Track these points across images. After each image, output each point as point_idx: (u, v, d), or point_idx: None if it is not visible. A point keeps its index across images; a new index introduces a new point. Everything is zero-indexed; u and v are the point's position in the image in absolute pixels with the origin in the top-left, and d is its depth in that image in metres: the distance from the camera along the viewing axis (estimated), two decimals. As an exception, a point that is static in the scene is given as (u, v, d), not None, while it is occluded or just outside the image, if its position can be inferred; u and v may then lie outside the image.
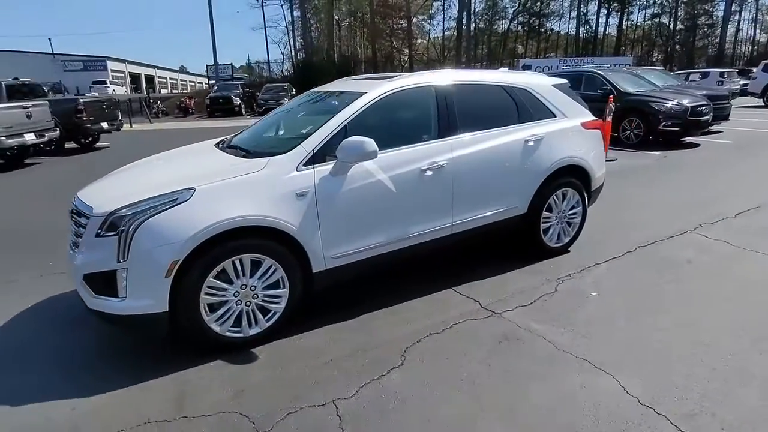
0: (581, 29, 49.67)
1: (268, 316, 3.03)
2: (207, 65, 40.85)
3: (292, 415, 2.38)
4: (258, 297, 2.96)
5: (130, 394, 2.58)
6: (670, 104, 9.99)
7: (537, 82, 4.22)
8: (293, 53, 40.74)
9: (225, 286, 2.83)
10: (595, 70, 11.72)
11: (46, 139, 10.67)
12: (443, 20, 44.56)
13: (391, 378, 2.65)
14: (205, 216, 2.70)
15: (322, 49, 40.29)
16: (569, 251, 4.40)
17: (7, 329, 3.34)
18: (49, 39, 70.40)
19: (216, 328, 2.85)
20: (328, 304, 3.51)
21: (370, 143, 3.00)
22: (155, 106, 28.46)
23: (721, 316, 3.17)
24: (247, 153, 3.34)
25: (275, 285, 3.00)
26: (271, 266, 2.95)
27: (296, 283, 3.06)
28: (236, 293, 2.88)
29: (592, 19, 50.10)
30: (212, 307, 2.84)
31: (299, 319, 3.24)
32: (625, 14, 48.82)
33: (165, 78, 70.56)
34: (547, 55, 49.44)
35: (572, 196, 4.24)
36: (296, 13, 40.73)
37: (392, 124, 3.54)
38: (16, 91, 11.55)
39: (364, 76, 4.25)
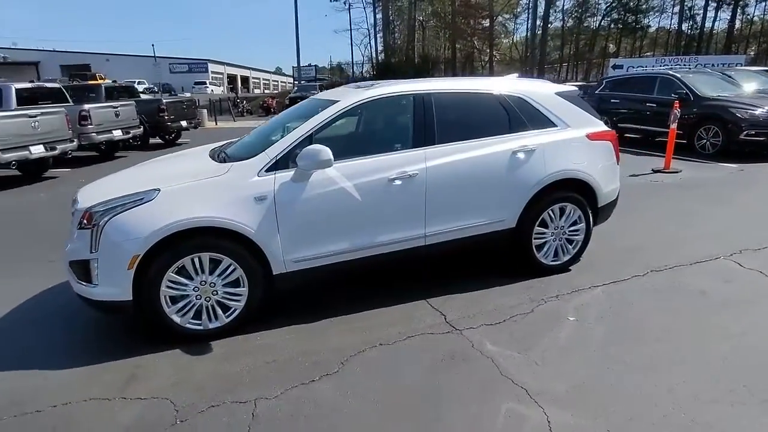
0: (684, 25, 45.22)
1: (228, 312, 3.20)
2: (292, 66, 43.11)
3: (213, 409, 2.51)
4: (218, 293, 3.14)
5: (89, 372, 2.88)
6: (755, 111, 8.84)
7: (537, 90, 3.98)
8: (375, 54, 41.60)
9: (185, 281, 3.05)
10: (671, 72, 10.72)
11: (131, 135, 11.95)
12: (527, 19, 42.83)
13: (320, 384, 2.69)
14: (165, 215, 2.93)
15: (401, 50, 40.66)
16: (570, 270, 4.12)
17: (36, 300, 3.85)
18: (152, 45, 78.68)
19: (177, 319, 3.08)
20: (300, 306, 3.63)
21: (325, 152, 3.06)
22: (241, 105, 30.57)
23: (705, 360, 2.80)
24: (225, 158, 3.55)
25: (235, 283, 3.17)
26: (229, 265, 3.12)
27: (256, 283, 3.20)
28: (196, 288, 3.08)
29: (698, 14, 45.43)
30: (174, 300, 3.06)
31: (266, 317, 3.39)
32: (739, 7, 43.58)
33: (259, 79, 75.38)
34: (643, 54, 45.60)
35: (572, 212, 3.96)
36: (379, 16, 41.59)
37: (364, 133, 3.56)
38: (113, 92, 13.06)
39: (368, 83, 4.29)
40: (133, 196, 2.99)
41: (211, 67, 58.49)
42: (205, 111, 21.73)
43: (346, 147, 3.24)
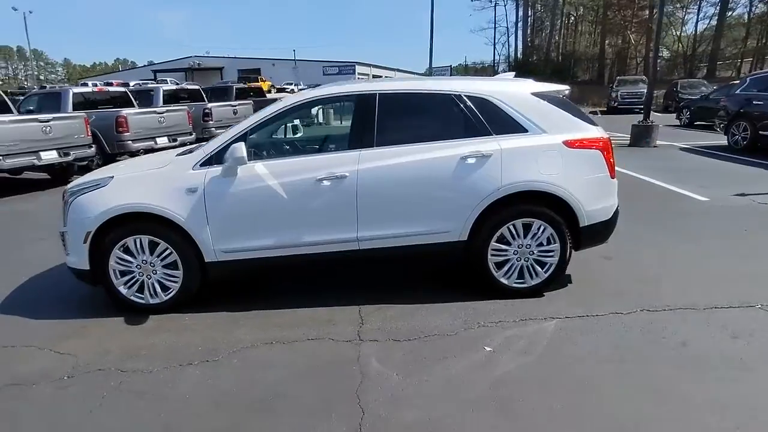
0: None
1: (167, 291, 3.54)
2: (426, 68, 43.61)
3: (99, 372, 2.84)
4: (157, 273, 3.50)
5: (47, 324, 3.45)
6: None
7: (507, 90, 3.53)
8: (514, 53, 39.85)
9: (129, 258, 3.46)
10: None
11: (178, 142, 12.56)
12: (698, 8, 36.50)
13: (191, 369, 2.84)
14: (111, 200, 3.37)
15: (540, 48, 38.28)
16: (543, 295, 3.60)
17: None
18: (294, 50, 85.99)
19: (124, 290, 3.51)
20: (246, 294, 3.83)
21: (239, 150, 3.18)
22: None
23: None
24: (189, 152, 3.89)
25: (173, 266, 3.49)
26: (166, 249, 3.44)
27: (190, 268, 3.48)
28: (138, 266, 3.47)
29: None
30: (122, 273, 3.50)
31: (212, 301, 3.66)
32: None
33: (403, 79, 77.86)
34: None
35: (542, 230, 3.45)
36: (521, 12, 39.65)
37: (304, 133, 3.57)
38: (173, 96, 13.41)
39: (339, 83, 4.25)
40: (94, 181, 3.50)
41: (358, 69, 62.21)
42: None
43: (284, 146, 3.31)
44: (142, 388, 2.67)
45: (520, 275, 3.56)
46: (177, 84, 21.25)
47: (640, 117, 11.99)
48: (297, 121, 4.87)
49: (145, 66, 70.38)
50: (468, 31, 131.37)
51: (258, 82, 39.10)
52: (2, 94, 10.24)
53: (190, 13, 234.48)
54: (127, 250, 3.44)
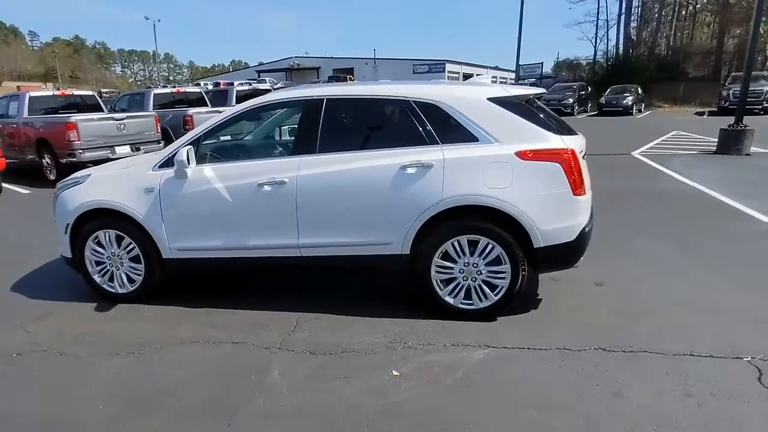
0: None
1: (133, 283, 3.79)
2: (518, 65, 41.73)
3: (45, 353, 3.12)
4: (124, 265, 3.76)
5: (31, 303, 3.87)
6: None
7: (461, 95, 3.24)
8: (614, 48, 36.52)
9: (101, 250, 3.76)
10: None
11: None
12: None
13: (116, 359, 3.02)
14: (84, 196, 3.68)
15: (645, 42, 34.68)
16: (496, 320, 3.29)
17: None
18: (374, 50, 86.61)
19: (98, 279, 3.83)
20: (207, 293, 3.99)
21: (180, 154, 3.30)
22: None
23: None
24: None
25: (136, 260, 3.73)
26: (130, 243, 3.69)
27: (151, 263, 3.69)
28: (108, 258, 3.77)
29: None
30: (97, 263, 3.82)
31: (175, 294, 3.87)
32: None
33: (496, 77, 75.62)
34: None
35: (490, 249, 3.14)
36: (626, 4, 36.18)
37: (255, 137, 3.60)
38: (246, 97, 14.18)
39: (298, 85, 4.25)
40: (76, 178, 3.84)
41: (449, 66, 61.45)
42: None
43: (236, 150, 3.38)
44: (61, 373, 2.90)
45: (468, 296, 3.28)
46: (275, 83, 22.42)
47: (759, 118, 10.41)
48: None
49: (252, 66, 76.13)
50: (561, 26, 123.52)
51: (347, 80, 40.34)
52: (96, 95, 11.71)
53: (297, 15, 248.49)
54: (99, 243, 3.74)
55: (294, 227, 3.38)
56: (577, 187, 3.08)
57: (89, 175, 3.81)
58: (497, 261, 3.17)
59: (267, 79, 54.42)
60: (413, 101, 3.26)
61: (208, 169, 3.47)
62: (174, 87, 15.25)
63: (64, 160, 8.96)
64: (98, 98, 11.44)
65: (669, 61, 31.95)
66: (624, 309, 3.40)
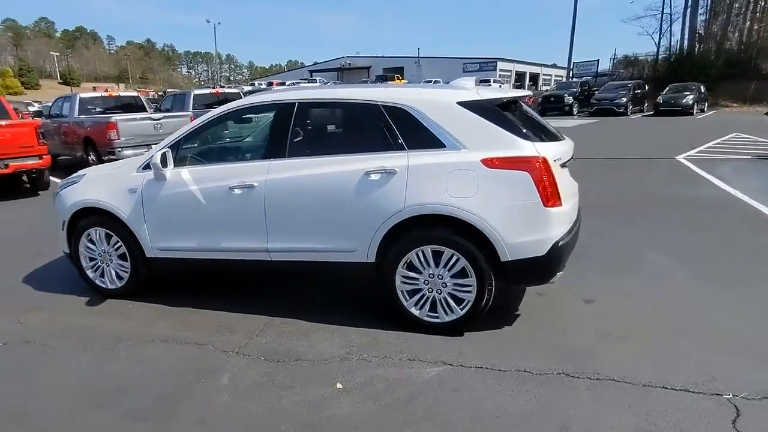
0: None
1: (121, 280, 3.94)
2: (574, 62, 40.06)
3: (27, 344, 3.30)
4: (112, 262, 3.92)
5: (35, 296, 4.12)
6: None
7: (430, 99, 3.10)
8: (679, 43, 34.02)
9: (93, 247, 3.94)
10: None
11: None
12: None
13: (84, 354, 3.15)
14: (77, 195, 3.87)
15: (713, 37, 32.10)
16: (463, 335, 3.14)
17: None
18: (418, 48, 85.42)
19: (90, 274, 4.01)
20: (196, 291, 4.09)
21: (155, 156, 3.39)
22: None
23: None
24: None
25: (123, 257, 3.87)
26: (117, 241, 3.84)
27: (137, 261, 3.83)
28: (99, 255, 3.93)
29: None
30: (90, 259, 4.00)
31: (160, 292, 4.00)
32: None
33: (550, 76, 72.96)
34: None
35: (454, 261, 3.00)
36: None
37: (232, 141, 3.63)
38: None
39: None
40: (74, 178, 4.05)
41: (500, 65, 60.05)
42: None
43: (214, 153, 3.43)
44: (34, 365, 3.05)
45: (433, 308, 3.15)
46: (324, 82, 22.46)
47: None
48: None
49: (306, 66, 77.85)
50: (619, 21, 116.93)
51: (395, 80, 40.46)
52: (140, 97, 12.37)
53: (355, 17, 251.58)
54: (91, 240, 3.92)
55: (263, 231, 3.38)
56: (548, 198, 2.87)
57: (85, 174, 4.00)
58: (462, 273, 3.02)
59: (317, 78, 55.35)
60: (382, 105, 3.17)
61: (185, 172, 3.54)
62: (213, 88, 15.84)
63: (106, 158, 9.53)
64: (142, 99, 12.10)
65: (740, 57, 29.43)
66: (606, 331, 3.14)
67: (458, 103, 3.04)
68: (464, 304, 3.07)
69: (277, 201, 3.29)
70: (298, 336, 3.24)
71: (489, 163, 2.89)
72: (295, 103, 3.38)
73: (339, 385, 2.68)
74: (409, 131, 3.09)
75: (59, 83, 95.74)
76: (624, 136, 15.72)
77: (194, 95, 12.47)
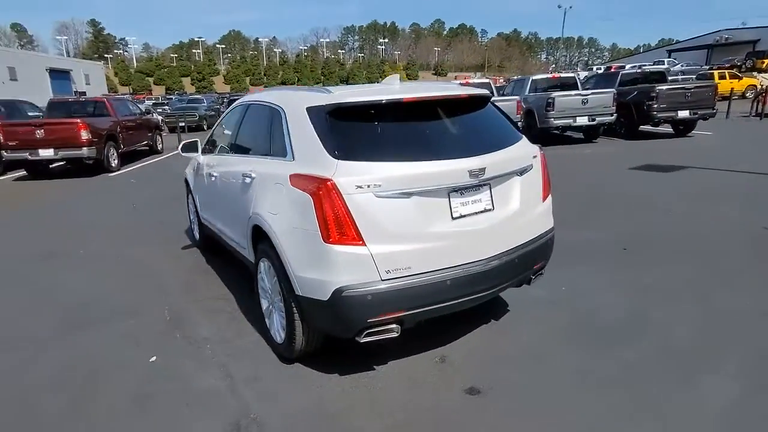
0: None
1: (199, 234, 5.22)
2: None
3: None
4: (195, 224, 5.22)
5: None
6: None
7: (292, 102, 2.83)
8: None
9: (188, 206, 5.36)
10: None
11: (596, 123, 12.11)
12: None
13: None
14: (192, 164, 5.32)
15: None
16: (293, 363, 2.84)
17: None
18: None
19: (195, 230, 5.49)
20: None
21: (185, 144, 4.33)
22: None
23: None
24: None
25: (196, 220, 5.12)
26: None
27: (197, 223, 4.99)
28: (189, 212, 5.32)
29: None
30: (190, 213, 5.45)
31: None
32: None
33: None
34: None
35: (276, 280, 2.74)
36: None
37: (235, 132, 4.05)
38: (633, 81, 13.38)
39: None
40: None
41: None
42: None
43: (220, 145, 4.17)
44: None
45: (276, 328, 2.94)
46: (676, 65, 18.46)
47: None
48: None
49: (664, 46, 65.99)
50: None
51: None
52: (575, 77, 14.19)
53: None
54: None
55: (221, 218, 3.91)
56: (327, 233, 2.25)
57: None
58: (279, 293, 2.73)
59: (675, 59, 46.68)
60: (270, 108, 3.12)
61: (203, 158, 4.38)
62: (551, 73, 16.67)
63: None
64: (577, 78, 14.06)
65: None
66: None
67: (307, 108, 2.65)
68: (286, 328, 2.77)
69: (218, 192, 3.78)
70: (221, 343, 3.62)
71: (292, 179, 2.50)
72: (248, 105, 3.66)
73: (186, 403, 2.99)
74: (275, 136, 2.95)
75: (432, 74, 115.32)
76: None
77: (532, 80, 13.66)
